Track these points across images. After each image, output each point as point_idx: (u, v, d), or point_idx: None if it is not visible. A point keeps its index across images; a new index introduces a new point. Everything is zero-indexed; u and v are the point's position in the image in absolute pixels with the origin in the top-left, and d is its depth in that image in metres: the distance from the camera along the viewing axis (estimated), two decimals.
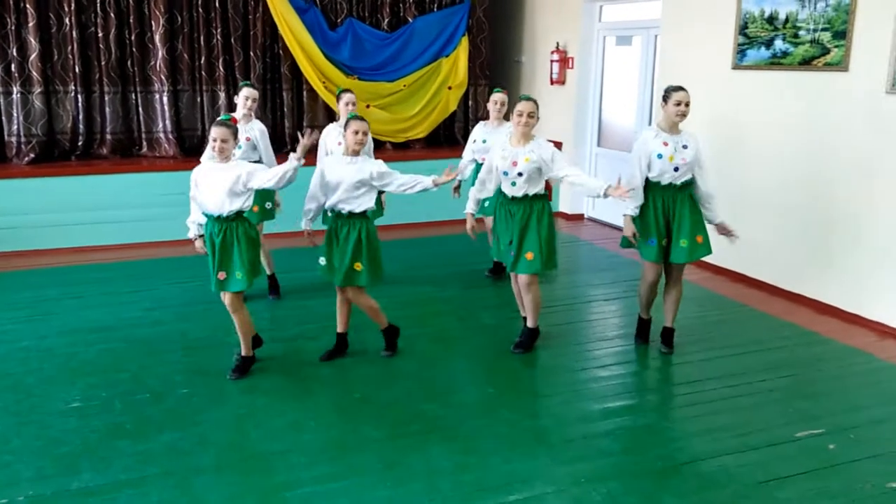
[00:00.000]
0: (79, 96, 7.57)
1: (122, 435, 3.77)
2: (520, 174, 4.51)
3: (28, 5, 7.20)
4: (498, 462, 3.57)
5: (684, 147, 4.55)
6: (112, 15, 7.53)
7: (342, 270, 4.43)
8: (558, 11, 8.52)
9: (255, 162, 5.71)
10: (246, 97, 5.57)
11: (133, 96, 7.82)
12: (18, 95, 7.35)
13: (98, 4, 7.47)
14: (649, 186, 4.61)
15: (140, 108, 7.83)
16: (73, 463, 3.52)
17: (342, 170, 4.42)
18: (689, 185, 4.63)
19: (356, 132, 4.40)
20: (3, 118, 7.41)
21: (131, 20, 7.60)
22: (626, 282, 6.30)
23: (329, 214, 4.56)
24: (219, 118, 4.30)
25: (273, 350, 4.84)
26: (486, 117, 6.26)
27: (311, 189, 4.54)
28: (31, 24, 7.24)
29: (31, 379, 4.39)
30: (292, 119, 8.40)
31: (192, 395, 4.22)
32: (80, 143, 7.68)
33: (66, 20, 7.39)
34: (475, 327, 5.33)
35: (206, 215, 4.25)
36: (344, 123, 4.56)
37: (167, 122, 7.86)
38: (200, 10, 7.81)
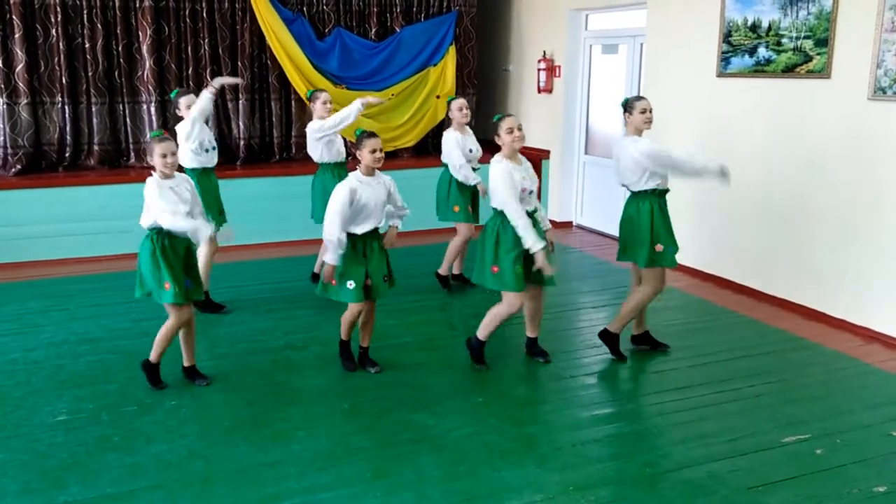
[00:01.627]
0: (66, 107, 7.55)
1: (110, 448, 3.76)
2: (531, 192, 4.48)
3: (14, 16, 7.18)
4: (487, 471, 3.57)
5: None
6: (99, 26, 7.52)
7: (383, 284, 4.49)
8: (545, 20, 8.57)
9: (208, 168, 5.60)
10: (188, 105, 5.49)
11: (120, 107, 7.80)
12: (4, 106, 7.32)
13: (85, 15, 7.46)
14: (657, 193, 4.61)
15: (128, 119, 7.81)
16: (60, 476, 3.50)
17: (373, 190, 4.37)
18: None
19: (374, 151, 4.32)
20: None
21: (118, 31, 7.59)
22: (615, 289, 6.33)
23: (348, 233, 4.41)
24: (155, 133, 4.22)
25: (261, 361, 4.84)
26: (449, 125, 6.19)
27: (341, 215, 4.27)
28: (17, 35, 7.21)
29: (19, 392, 4.37)
30: (280, 129, 8.40)
31: (180, 407, 4.20)
32: (67, 155, 7.66)
33: (53, 31, 7.38)
34: (464, 336, 5.33)
35: (168, 229, 4.17)
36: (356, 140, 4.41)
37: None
38: (188, 20, 7.82)
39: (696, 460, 3.67)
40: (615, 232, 7.98)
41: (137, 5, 7.60)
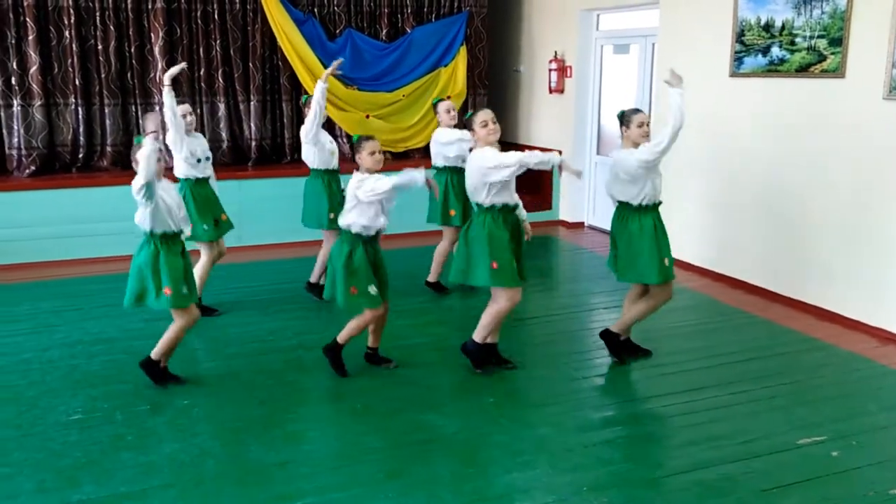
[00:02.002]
0: (79, 109, 7.60)
1: (124, 447, 3.78)
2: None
3: (28, 19, 7.24)
4: (498, 472, 3.57)
5: None
6: (112, 28, 7.57)
7: (387, 286, 4.52)
8: (556, 20, 8.56)
9: (201, 178, 5.55)
10: (183, 114, 5.43)
11: (133, 108, 7.85)
12: (19, 108, 7.38)
13: (98, 17, 7.51)
14: (654, 207, 4.57)
15: (140, 121, 7.84)
16: (74, 475, 3.52)
17: None
18: None
19: (373, 153, 4.31)
20: (4, 131, 7.44)
21: (131, 33, 7.64)
22: (627, 290, 6.28)
23: (361, 239, 4.37)
24: (137, 139, 4.20)
25: (272, 361, 4.85)
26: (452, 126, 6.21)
27: (393, 181, 4.25)
28: (31, 38, 7.27)
29: (33, 391, 4.40)
30: (292, 129, 8.41)
31: (193, 406, 4.22)
32: (80, 156, 7.71)
33: (66, 33, 7.43)
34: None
35: (171, 233, 4.20)
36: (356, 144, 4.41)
37: (167, 134, 7.88)
38: (199, 22, 7.85)
39: (708, 462, 3.64)
40: None
41: (149, 7, 7.65)
